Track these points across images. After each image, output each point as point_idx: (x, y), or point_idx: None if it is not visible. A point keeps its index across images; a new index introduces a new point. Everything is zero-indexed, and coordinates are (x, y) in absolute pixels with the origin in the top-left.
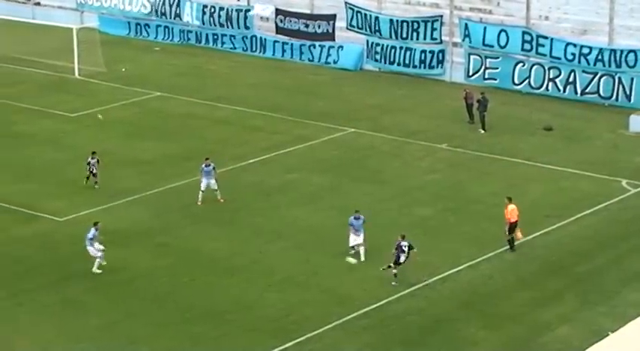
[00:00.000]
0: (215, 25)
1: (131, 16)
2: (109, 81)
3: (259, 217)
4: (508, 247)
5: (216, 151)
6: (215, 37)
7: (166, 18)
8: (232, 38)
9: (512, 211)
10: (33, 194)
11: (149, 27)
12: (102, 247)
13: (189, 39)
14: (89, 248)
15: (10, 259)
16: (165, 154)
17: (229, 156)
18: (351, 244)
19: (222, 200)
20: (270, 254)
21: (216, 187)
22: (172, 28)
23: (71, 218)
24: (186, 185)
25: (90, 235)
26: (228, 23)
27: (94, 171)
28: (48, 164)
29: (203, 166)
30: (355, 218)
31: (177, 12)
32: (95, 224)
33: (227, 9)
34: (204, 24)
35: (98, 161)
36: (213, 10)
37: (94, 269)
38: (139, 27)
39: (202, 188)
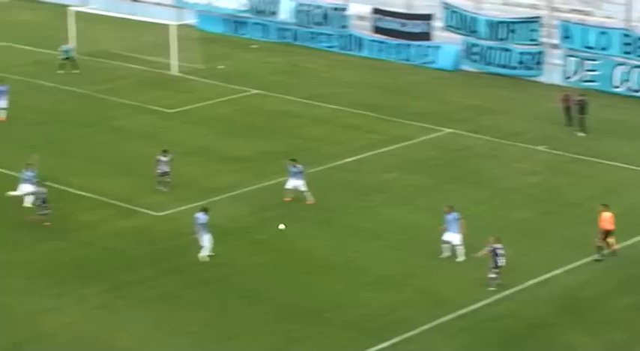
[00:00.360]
0: (312, 24)
1: (229, 13)
2: (207, 78)
3: (355, 216)
4: (597, 254)
5: (312, 149)
6: (312, 35)
7: (263, 16)
8: (329, 37)
9: (607, 219)
10: (131, 189)
11: (246, 25)
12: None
13: (286, 37)
14: (200, 235)
15: (110, 252)
16: (262, 152)
17: (325, 154)
18: (444, 239)
19: (310, 203)
20: (365, 254)
21: (305, 189)
22: (269, 26)
23: (169, 213)
24: (283, 183)
25: (202, 221)
26: (325, 22)
27: (166, 170)
28: (146, 159)
29: (290, 167)
30: (448, 214)
31: (274, 10)
32: (205, 210)
33: (324, 7)
34: (299, 22)
35: (172, 159)
36: (309, 8)
37: (202, 255)
38: (236, 24)
39: (289, 187)
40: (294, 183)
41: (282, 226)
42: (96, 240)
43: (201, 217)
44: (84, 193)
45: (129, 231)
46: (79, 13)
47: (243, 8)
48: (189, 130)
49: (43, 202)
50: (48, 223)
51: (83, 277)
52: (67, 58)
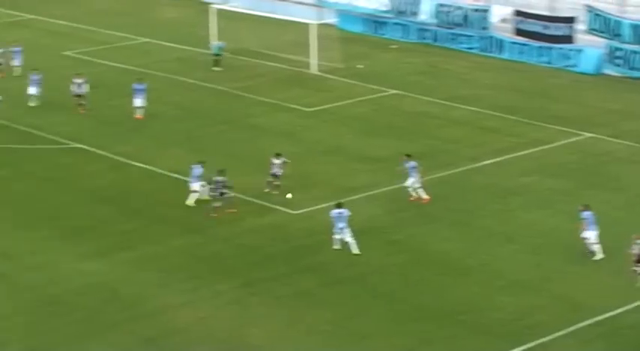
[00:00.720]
0: (450, 24)
1: (369, 13)
2: (346, 77)
3: (491, 219)
4: None
5: (450, 151)
6: (452, 36)
7: (404, 16)
8: (469, 38)
9: None
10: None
11: (386, 25)
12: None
13: (425, 38)
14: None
15: (245, 248)
16: (399, 152)
17: (463, 156)
18: (583, 236)
19: (425, 199)
20: (501, 257)
21: (417, 186)
22: (409, 27)
23: (305, 212)
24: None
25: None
26: (465, 23)
27: (277, 172)
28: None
29: (404, 163)
30: (583, 211)
31: (415, 10)
32: (339, 205)
33: (465, 8)
34: (439, 22)
35: (285, 163)
36: (450, 9)
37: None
38: (376, 24)
39: (407, 184)
40: (412, 180)
41: (289, 195)
42: (232, 236)
43: (344, 212)
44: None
45: (265, 228)
46: (220, 11)
47: (384, 8)
48: (326, 129)
49: (222, 192)
50: (233, 210)
51: (218, 272)
52: (218, 55)
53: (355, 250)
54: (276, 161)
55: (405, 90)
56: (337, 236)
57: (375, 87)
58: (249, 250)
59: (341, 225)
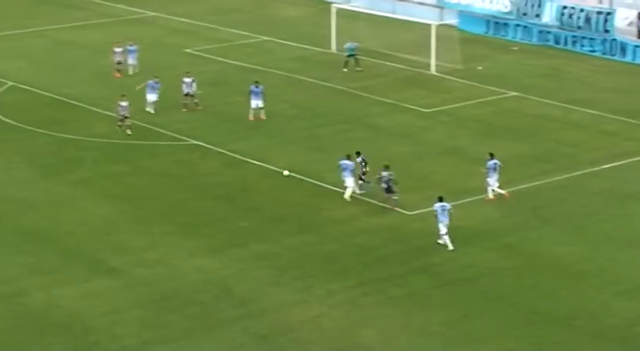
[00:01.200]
0: (573, 27)
1: (490, 14)
2: (465, 78)
3: (610, 223)
4: None
5: (568, 154)
6: (574, 39)
7: (527, 18)
8: (591, 41)
9: None
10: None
11: (508, 26)
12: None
13: (547, 40)
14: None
15: (360, 249)
16: (517, 155)
17: (582, 160)
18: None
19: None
20: (619, 262)
21: (496, 185)
22: (531, 28)
23: (420, 213)
24: (537, 187)
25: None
26: (587, 26)
27: (364, 170)
28: (399, 157)
29: (487, 161)
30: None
31: (538, 12)
32: (441, 199)
33: (587, 11)
34: (562, 25)
35: (365, 163)
36: (573, 11)
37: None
38: (497, 26)
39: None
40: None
41: (286, 172)
42: (346, 236)
43: (446, 206)
44: (338, 189)
45: (380, 228)
46: (341, 10)
47: (505, 10)
48: (444, 130)
49: (388, 188)
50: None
51: (331, 272)
52: (350, 56)
53: (450, 245)
54: (358, 159)
55: (525, 92)
56: (442, 230)
57: (494, 89)
58: (363, 250)
59: (445, 219)
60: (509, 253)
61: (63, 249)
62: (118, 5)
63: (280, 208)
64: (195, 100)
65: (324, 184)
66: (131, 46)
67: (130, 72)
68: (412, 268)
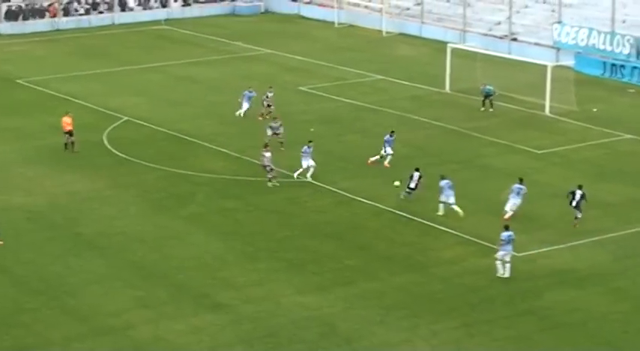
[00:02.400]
0: None
1: (608, 56)
2: (579, 120)
3: None
4: None
5: None
6: None
7: None
8: None
9: None
10: (493, 227)
11: (625, 68)
12: None
13: None
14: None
15: (466, 289)
16: (630, 198)
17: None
18: None
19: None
20: None
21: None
22: None
23: (528, 254)
24: None
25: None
26: None
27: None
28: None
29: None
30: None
31: None
32: (507, 228)
33: None
34: None
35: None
36: None
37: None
38: (614, 67)
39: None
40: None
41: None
42: (453, 276)
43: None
44: (447, 229)
45: (487, 269)
46: (456, 50)
47: (624, 51)
48: (556, 172)
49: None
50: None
51: (436, 312)
52: (487, 96)
53: (507, 273)
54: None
55: None
56: (502, 260)
57: (609, 131)
58: (469, 290)
59: (509, 248)
60: (619, 297)
61: (171, 283)
62: (235, 42)
63: (388, 247)
64: (281, 140)
65: (433, 224)
66: (250, 92)
67: (242, 114)
68: (519, 310)
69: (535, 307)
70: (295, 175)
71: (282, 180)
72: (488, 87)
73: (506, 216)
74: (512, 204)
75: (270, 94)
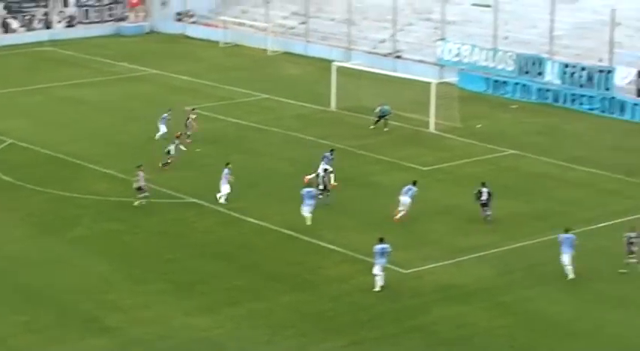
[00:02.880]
0: (575, 85)
1: (491, 72)
2: (464, 137)
3: (605, 282)
4: None
5: (566, 212)
6: (573, 97)
7: (528, 76)
8: (591, 99)
9: None
10: None
11: (507, 84)
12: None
13: (546, 98)
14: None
15: (354, 307)
16: (513, 213)
17: (579, 218)
18: None
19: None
20: (614, 322)
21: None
22: (530, 87)
23: (415, 271)
24: (533, 245)
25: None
26: (589, 84)
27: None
28: None
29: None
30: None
31: (540, 70)
32: (382, 240)
33: (588, 69)
34: (563, 83)
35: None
36: (574, 69)
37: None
38: (497, 84)
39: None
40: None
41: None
42: (341, 294)
43: (386, 248)
44: (334, 247)
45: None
46: (341, 68)
47: (508, 68)
48: (441, 189)
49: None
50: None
51: (325, 330)
52: (383, 116)
53: (378, 287)
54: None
55: (523, 150)
56: (378, 274)
57: (492, 147)
58: (358, 308)
59: (382, 260)
60: (503, 312)
61: (58, 307)
62: (120, 63)
63: (276, 266)
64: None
65: (320, 243)
66: (168, 114)
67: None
68: (406, 327)
69: (422, 323)
70: (220, 199)
71: (169, 201)
72: (385, 107)
73: (397, 216)
74: (401, 203)
75: (193, 116)
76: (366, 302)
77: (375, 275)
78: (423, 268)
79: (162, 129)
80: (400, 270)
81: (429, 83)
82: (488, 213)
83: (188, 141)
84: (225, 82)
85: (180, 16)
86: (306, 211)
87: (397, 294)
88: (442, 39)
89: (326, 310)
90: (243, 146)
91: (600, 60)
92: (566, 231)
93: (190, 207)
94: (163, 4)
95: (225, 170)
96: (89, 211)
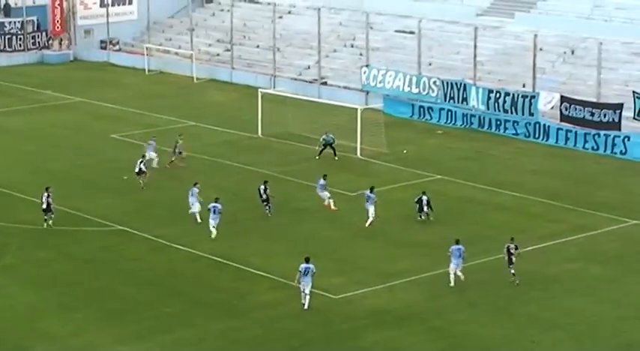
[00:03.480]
0: (499, 111)
1: (416, 98)
2: (390, 162)
3: (534, 305)
4: None
5: (493, 236)
6: (498, 122)
7: (453, 102)
8: (515, 124)
9: None
10: None
11: (432, 110)
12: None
13: (472, 123)
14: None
15: (285, 333)
16: (443, 237)
17: (506, 242)
18: None
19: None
20: (544, 344)
21: None
22: (456, 112)
23: (346, 296)
24: (462, 270)
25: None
26: (513, 109)
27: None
28: (326, 241)
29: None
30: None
31: (464, 96)
32: (307, 260)
33: (512, 94)
34: (488, 109)
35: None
36: (498, 95)
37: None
38: (422, 109)
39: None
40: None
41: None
42: (272, 320)
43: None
44: (263, 273)
45: (305, 312)
46: (266, 95)
47: (432, 94)
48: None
49: None
50: None
51: None
52: (328, 145)
53: (306, 304)
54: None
55: (449, 175)
56: (304, 291)
57: (419, 172)
58: (288, 334)
59: (307, 280)
60: (435, 336)
61: None
62: (45, 91)
63: (206, 293)
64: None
65: (249, 269)
66: (152, 141)
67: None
68: None
69: (355, 348)
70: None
71: (98, 229)
72: (330, 136)
73: (367, 223)
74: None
75: (180, 142)
76: (297, 328)
77: (302, 293)
78: (353, 293)
79: (153, 155)
80: (330, 295)
81: (355, 109)
82: (431, 219)
83: (183, 160)
84: (151, 110)
85: (104, 44)
86: (211, 224)
87: (328, 319)
88: (367, 65)
89: (257, 336)
90: (171, 173)
91: (524, 85)
92: (457, 242)
93: (119, 235)
94: (87, 32)
95: (194, 189)
96: (17, 239)
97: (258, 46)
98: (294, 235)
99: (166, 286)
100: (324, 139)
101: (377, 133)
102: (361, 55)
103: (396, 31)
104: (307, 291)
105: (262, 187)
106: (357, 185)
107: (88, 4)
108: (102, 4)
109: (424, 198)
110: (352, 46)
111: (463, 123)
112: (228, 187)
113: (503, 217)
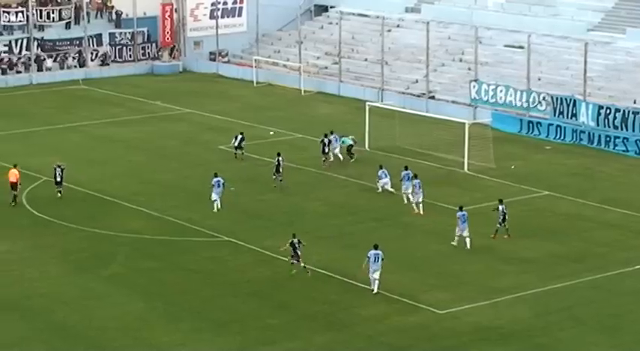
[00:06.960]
0: (609, 127)
1: (525, 113)
2: (498, 177)
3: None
4: None
5: (601, 254)
6: (608, 138)
7: (563, 117)
8: (625, 140)
9: None
10: (415, 285)
11: (541, 125)
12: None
13: (581, 139)
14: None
15: (389, 347)
16: (549, 254)
17: (614, 260)
18: None
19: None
20: None
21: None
22: (565, 128)
23: (451, 311)
24: (569, 287)
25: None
26: (623, 125)
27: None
28: (431, 255)
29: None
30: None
31: (574, 112)
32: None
33: (623, 111)
34: (598, 125)
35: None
36: (609, 111)
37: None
38: (531, 125)
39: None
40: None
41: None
42: (376, 334)
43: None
44: (367, 287)
45: (410, 327)
46: (374, 108)
47: (542, 109)
48: (475, 229)
49: None
50: None
51: None
52: (350, 147)
53: (375, 289)
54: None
55: (558, 192)
56: (372, 276)
57: (527, 188)
58: (393, 348)
59: (376, 266)
60: None
61: (92, 345)
62: (154, 102)
63: (310, 306)
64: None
65: (354, 282)
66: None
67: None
68: None
69: None
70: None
71: (205, 239)
72: (350, 137)
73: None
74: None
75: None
76: (402, 343)
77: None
78: (458, 308)
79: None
80: (436, 310)
81: (463, 123)
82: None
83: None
84: (259, 122)
85: (213, 56)
86: (214, 197)
87: (433, 335)
88: (475, 80)
89: (360, 349)
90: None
91: (635, 102)
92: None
93: (225, 246)
94: (196, 43)
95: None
96: (124, 248)
97: (366, 60)
98: (399, 249)
99: (271, 298)
100: (343, 141)
101: (485, 148)
102: (469, 69)
103: (505, 45)
104: (377, 276)
105: (280, 158)
106: (464, 200)
107: (198, 15)
108: (212, 16)
109: (501, 207)
110: (461, 60)
111: (572, 139)
112: (335, 201)
113: (612, 235)
